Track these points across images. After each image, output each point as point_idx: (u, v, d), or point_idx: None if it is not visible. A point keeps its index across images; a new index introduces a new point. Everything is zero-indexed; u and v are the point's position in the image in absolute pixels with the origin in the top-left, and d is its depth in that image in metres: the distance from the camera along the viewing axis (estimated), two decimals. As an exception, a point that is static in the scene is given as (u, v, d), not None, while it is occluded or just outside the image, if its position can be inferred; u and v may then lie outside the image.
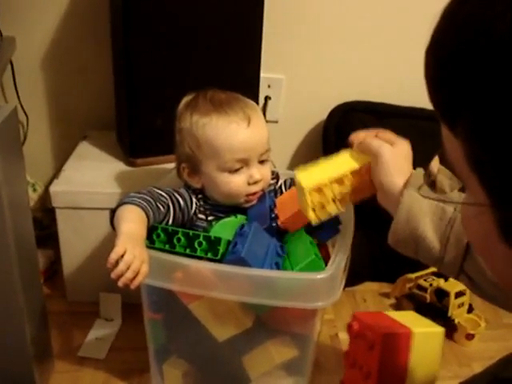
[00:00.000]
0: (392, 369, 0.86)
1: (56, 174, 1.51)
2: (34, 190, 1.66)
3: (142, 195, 1.03)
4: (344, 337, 1.47)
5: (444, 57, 0.42)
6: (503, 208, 0.41)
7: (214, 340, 1.07)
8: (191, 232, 0.99)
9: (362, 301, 1.61)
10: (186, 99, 1.15)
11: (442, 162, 0.55)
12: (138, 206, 1.00)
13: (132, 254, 0.88)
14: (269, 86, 1.70)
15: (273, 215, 1.08)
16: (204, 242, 0.98)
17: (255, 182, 1.08)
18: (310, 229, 1.07)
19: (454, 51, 0.40)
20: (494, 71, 0.37)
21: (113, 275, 0.88)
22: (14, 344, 1.13)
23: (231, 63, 1.45)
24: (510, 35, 0.36)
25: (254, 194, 1.10)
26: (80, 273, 1.47)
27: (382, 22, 1.66)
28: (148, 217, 1.00)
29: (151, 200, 1.03)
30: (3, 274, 1.05)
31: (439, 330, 0.95)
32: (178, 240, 0.99)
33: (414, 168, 0.93)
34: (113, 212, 1.01)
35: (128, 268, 0.87)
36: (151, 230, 1.00)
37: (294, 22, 1.65)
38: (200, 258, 0.98)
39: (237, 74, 1.45)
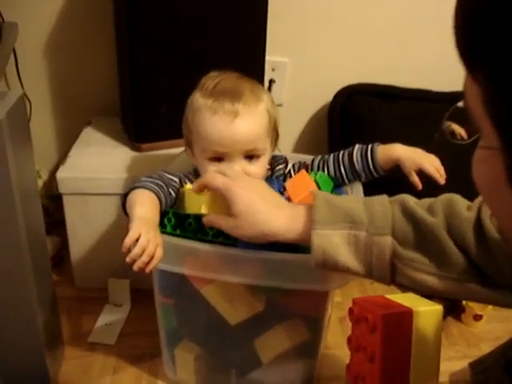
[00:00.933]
0: (396, 349, 0.86)
1: (61, 161, 1.50)
2: (39, 176, 1.65)
3: (153, 179, 1.03)
4: (352, 319, 1.48)
5: (469, 8, 0.44)
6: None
7: (226, 323, 1.07)
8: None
9: (369, 283, 1.61)
10: (207, 75, 1.11)
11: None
12: (151, 190, 1.00)
13: (146, 238, 0.88)
14: (273, 70, 1.69)
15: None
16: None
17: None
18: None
19: (478, 4, 0.43)
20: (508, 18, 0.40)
21: (128, 259, 0.87)
22: (26, 331, 1.13)
23: (236, 47, 1.44)
24: None
25: None
26: (88, 259, 1.47)
27: (386, 2, 1.65)
28: (160, 201, 1.00)
29: (163, 184, 1.02)
30: (15, 261, 1.05)
31: (438, 307, 0.96)
32: (190, 224, 0.99)
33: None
34: (124, 196, 1.01)
35: (143, 252, 0.87)
36: (162, 215, 1.00)
37: (297, 5, 1.64)
38: (212, 242, 0.98)
39: (242, 58, 1.44)
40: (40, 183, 1.65)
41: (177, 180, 1.08)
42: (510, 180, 0.44)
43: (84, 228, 1.43)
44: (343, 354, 1.32)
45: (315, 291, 1.02)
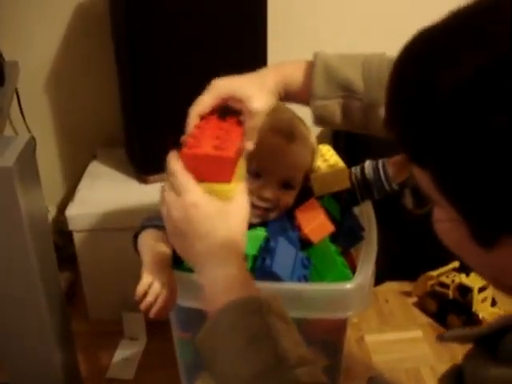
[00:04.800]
0: None
1: (68, 195, 1.51)
2: (47, 212, 1.65)
3: (159, 215, 1.02)
4: (370, 339, 1.47)
5: (402, 117, 0.50)
6: (472, 221, 0.49)
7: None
8: None
9: (384, 301, 1.60)
10: None
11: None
12: (158, 227, 0.99)
13: (159, 284, 0.86)
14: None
15: (291, 225, 1.06)
16: None
17: (262, 199, 1.01)
18: (333, 237, 1.07)
19: (409, 113, 0.49)
20: (445, 127, 0.46)
21: (142, 308, 0.86)
22: (44, 371, 1.13)
23: (238, 68, 1.45)
24: (452, 100, 0.45)
25: (259, 208, 1.02)
26: (101, 293, 1.47)
27: (385, 20, 1.66)
28: None
29: None
30: (30, 300, 1.06)
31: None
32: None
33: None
34: (134, 238, 1.00)
35: (156, 299, 0.86)
36: (176, 251, 0.99)
37: (295, 25, 1.65)
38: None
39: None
40: (48, 219, 1.65)
41: None
42: (476, 241, 0.50)
43: (95, 263, 1.42)
44: (362, 376, 1.33)
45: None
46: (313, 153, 1.07)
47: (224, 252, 0.74)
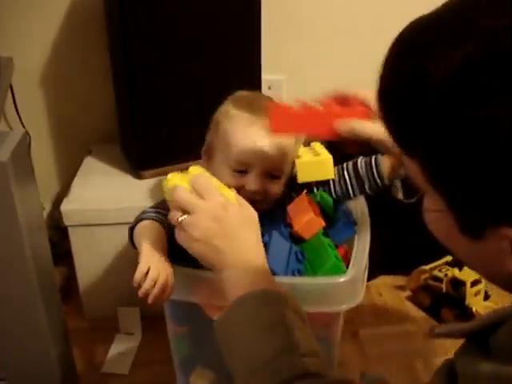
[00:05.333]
0: None
1: (63, 191, 1.51)
2: (43, 208, 1.65)
3: (157, 209, 1.03)
4: (364, 333, 1.48)
5: (393, 106, 0.52)
6: (459, 211, 0.50)
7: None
8: None
9: (378, 295, 1.61)
10: (238, 93, 1.09)
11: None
12: (156, 220, 1.00)
13: (156, 270, 0.88)
14: (269, 88, 1.70)
15: (283, 220, 1.07)
16: None
17: (250, 193, 1.02)
18: (326, 231, 1.07)
19: (400, 103, 0.50)
20: (434, 117, 0.47)
21: (140, 294, 0.87)
22: (40, 366, 1.14)
23: (232, 68, 1.45)
24: (441, 90, 0.46)
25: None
26: (96, 288, 1.47)
27: (381, 17, 1.66)
28: (166, 230, 0.99)
29: (166, 213, 1.02)
30: (25, 296, 1.06)
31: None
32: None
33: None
34: (131, 230, 1.01)
35: (154, 285, 0.87)
36: (170, 245, 0.99)
37: (291, 22, 1.65)
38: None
39: (239, 78, 1.45)
40: (44, 215, 1.66)
41: None
42: (463, 231, 0.51)
43: (91, 258, 1.43)
44: (356, 369, 1.34)
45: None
46: (296, 139, 1.07)
47: (251, 250, 0.83)
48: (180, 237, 0.85)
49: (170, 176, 0.94)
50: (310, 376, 0.68)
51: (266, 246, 0.97)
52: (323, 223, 1.04)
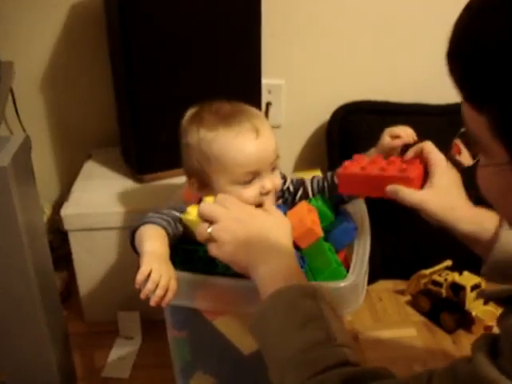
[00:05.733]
0: None
1: (63, 195, 1.51)
2: (43, 212, 1.65)
3: (159, 215, 1.03)
4: (363, 337, 1.48)
5: (468, 60, 0.52)
6: None
7: (240, 353, 1.07)
8: None
9: (378, 300, 1.61)
10: (190, 113, 1.10)
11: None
12: (158, 224, 1.00)
13: (158, 272, 0.88)
14: (269, 92, 1.71)
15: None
16: None
17: (267, 193, 1.05)
18: (326, 235, 1.08)
19: (474, 56, 0.51)
20: (506, 69, 0.48)
21: (142, 296, 0.87)
22: (39, 370, 1.14)
23: (232, 72, 1.46)
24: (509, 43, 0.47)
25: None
26: (96, 293, 1.47)
27: (379, 20, 1.66)
28: (168, 235, 1.00)
29: (169, 219, 1.02)
30: (25, 301, 1.06)
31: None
32: (199, 258, 0.99)
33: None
34: (132, 234, 1.01)
35: (156, 287, 0.87)
36: (171, 251, 1.00)
37: (290, 27, 1.66)
38: (223, 274, 0.98)
39: (239, 83, 1.46)
40: (44, 219, 1.66)
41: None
42: None
43: (91, 262, 1.43)
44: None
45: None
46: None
47: (285, 246, 0.88)
48: (212, 248, 0.89)
49: (189, 209, 0.98)
50: (349, 364, 0.71)
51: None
52: (320, 233, 1.04)
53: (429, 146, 1.05)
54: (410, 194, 0.98)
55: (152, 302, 0.88)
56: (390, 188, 1.00)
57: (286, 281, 0.81)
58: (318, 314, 0.76)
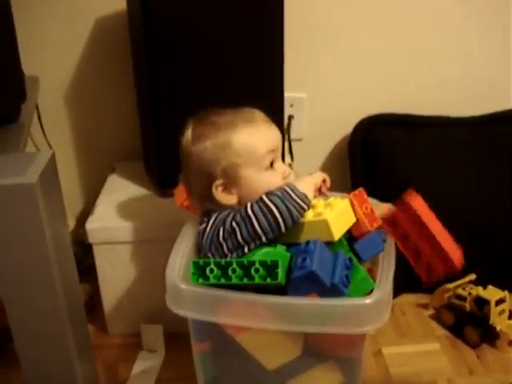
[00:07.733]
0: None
1: (87, 208, 1.52)
2: (68, 226, 1.67)
3: None
4: (387, 352, 1.47)
5: None
6: None
7: (263, 369, 1.07)
8: (245, 260, 0.98)
9: (401, 313, 1.60)
10: (195, 122, 1.18)
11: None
12: None
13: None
14: (291, 105, 1.71)
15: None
16: (261, 268, 0.96)
17: (287, 176, 1.12)
18: (353, 246, 1.08)
19: None
20: None
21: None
22: (63, 382, 1.14)
23: (256, 87, 1.46)
24: None
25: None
26: (120, 306, 1.48)
27: (402, 32, 1.67)
28: None
29: None
30: (51, 313, 1.06)
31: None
32: (234, 271, 0.97)
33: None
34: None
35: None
36: (204, 266, 0.99)
37: (311, 39, 1.66)
38: (258, 284, 0.97)
39: (261, 97, 1.45)
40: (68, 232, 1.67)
41: None
42: None
43: (115, 276, 1.44)
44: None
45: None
46: None
47: None
48: None
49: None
50: None
51: (311, 252, 0.97)
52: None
53: None
54: None
55: None
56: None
57: None
58: None
